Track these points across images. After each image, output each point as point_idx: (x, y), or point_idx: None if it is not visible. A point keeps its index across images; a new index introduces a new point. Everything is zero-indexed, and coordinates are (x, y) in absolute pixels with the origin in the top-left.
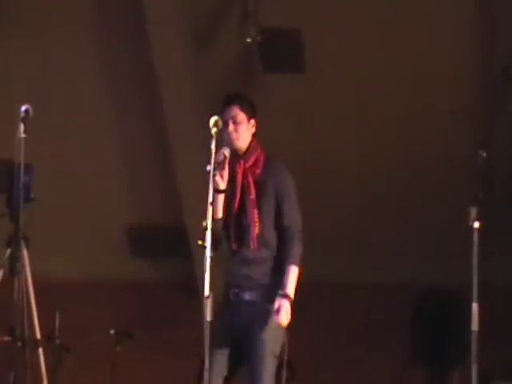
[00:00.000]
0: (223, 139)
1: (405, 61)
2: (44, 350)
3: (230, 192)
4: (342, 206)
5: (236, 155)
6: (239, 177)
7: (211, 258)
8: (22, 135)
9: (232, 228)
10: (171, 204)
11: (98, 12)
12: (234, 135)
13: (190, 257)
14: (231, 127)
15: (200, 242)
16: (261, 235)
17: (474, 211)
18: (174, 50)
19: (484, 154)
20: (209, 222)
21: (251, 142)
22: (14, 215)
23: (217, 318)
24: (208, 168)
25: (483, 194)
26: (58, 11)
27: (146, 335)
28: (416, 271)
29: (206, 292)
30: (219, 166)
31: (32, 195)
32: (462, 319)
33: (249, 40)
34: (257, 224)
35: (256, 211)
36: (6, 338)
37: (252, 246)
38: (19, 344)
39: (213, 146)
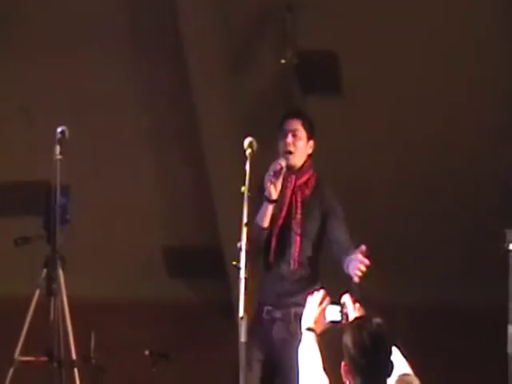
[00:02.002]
0: (279, 150)
1: (442, 83)
2: (80, 371)
3: (276, 206)
4: (377, 230)
5: (289, 170)
6: (288, 192)
7: (246, 278)
8: (59, 157)
9: (274, 242)
10: (207, 225)
11: (134, 38)
12: (291, 148)
13: (226, 278)
14: (290, 139)
15: (234, 263)
16: (300, 255)
17: (510, 234)
18: (211, 74)
19: None
20: (243, 243)
21: (306, 161)
22: (51, 237)
23: (249, 337)
24: (243, 189)
25: None
26: (95, 31)
27: (182, 356)
28: (449, 293)
29: (241, 313)
30: (274, 176)
31: (69, 217)
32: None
33: (283, 61)
34: (298, 244)
35: (300, 231)
36: (43, 359)
37: (292, 265)
38: (55, 364)
39: (247, 167)
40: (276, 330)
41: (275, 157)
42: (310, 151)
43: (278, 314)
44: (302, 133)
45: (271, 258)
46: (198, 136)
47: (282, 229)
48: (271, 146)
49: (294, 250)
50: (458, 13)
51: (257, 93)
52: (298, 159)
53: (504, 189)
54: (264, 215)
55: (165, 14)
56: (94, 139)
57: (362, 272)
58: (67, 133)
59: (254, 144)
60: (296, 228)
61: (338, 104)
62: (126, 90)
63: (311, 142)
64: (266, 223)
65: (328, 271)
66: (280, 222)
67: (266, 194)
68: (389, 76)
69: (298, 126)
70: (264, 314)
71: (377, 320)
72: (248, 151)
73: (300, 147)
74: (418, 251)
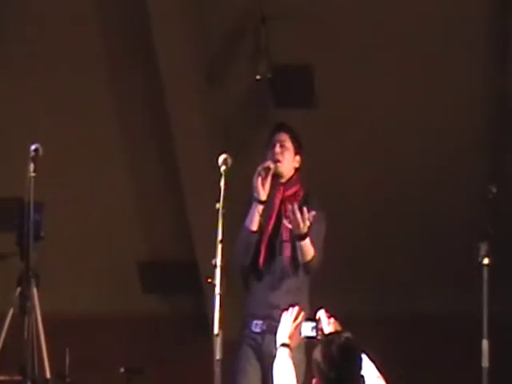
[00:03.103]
0: (267, 160)
1: (417, 95)
2: None
3: (265, 215)
4: (353, 239)
5: (277, 180)
6: (277, 201)
7: (221, 295)
8: (32, 174)
9: (263, 250)
10: (182, 240)
11: (107, 50)
12: (279, 157)
13: (201, 293)
14: (278, 149)
15: (210, 280)
16: (292, 260)
17: (484, 247)
18: (185, 87)
19: (494, 190)
20: (218, 260)
21: (293, 174)
22: (25, 254)
23: (239, 353)
24: (217, 206)
25: (493, 229)
26: (69, 48)
27: (157, 371)
28: (426, 305)
29: (216, 330)
30: (263, 172)
31: (42, 233)
32: None
33: (258, 77)
34: (289, 250)
35: (289, 238)
36: (17, 378)
37: (285, 265)
38: (29, 383)
39: (222, 184)
40: (267, 343)
41: (250, 169)
42: (296, 165)
43: (268, 327)
44: (289, 144)
45: (261, 265)
46: (173, 150)
47: (271, 237)
48: (246, 159)
49: (286, 250)
50: (436, 24)
51: (231, 105)
52: (285, 168)
53: (479, 201)
54: (253, 217)
55: (139, 27)
56: (68, 154)
57: None
58: (41, 150)
59: (229, 160)
60: (285, 236)
61: (313, 116)
62: (100, 105)
63: (298, 157)
64: (255, 226)
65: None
66: (269, 228)
67: (255, 194)
68: (363, 88)
69: (286, 138)
70: (254, 328)
71: (346, 334)
72: (222, 168)
73: (287, 158)
74: (393, 263)
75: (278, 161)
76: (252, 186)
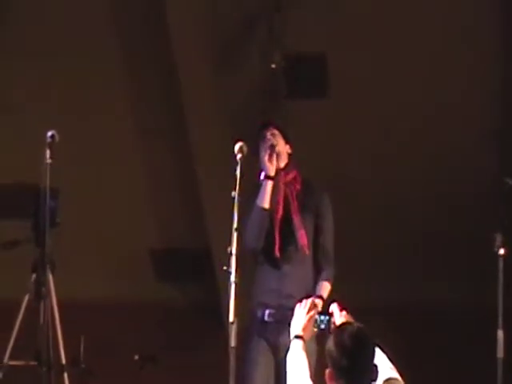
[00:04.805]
0: (261, 157)
1: (431, 86)
2: (69, 375)
3: (273, 200)
4: (364, 228)
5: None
6: (282, 186)
7: (236, 283)
8: (48, 160)
9: (277, 233)
10: (196, 228)
11: (121, 39)
12: (273, 141)
13: (214, 281)
14: (269, 136)
15: (225, 268)
16: (308, 248)
17: (499, 238)
18: (199, 75)
19: (510, 182)
20: (233, 248)
21: (289, 161)
22: (40, 240)
23: (250, 341)
24: (233, 193)
25: (509, 220)
26: (85, 35)
27: (171, 359)
28: (440, 295)
29: (231, 318)
30: (269, 149)
31: (58, 220)
32: None
33: (273, 66)
34: (303, 229)
35: (300, 221)
36: (32, 363)
37: (304, 251)
38: (45, 369)
39: (238, 172)
40: (281, 333)
41: (261, 161)
42: (289, 151)
43: (282, 317)
44: (279, 135)
45: (277, 253)
46: (187, 138)
47: (283, 224)
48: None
49: (302, 236)
50: (446, 15)
51: (245, 94)
52: (282, 150)
53: (495, 191)
54: (264, 195)
55: (153, 14)
56: (83, 142)
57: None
58: (57, 137)
59: (245, 149)
60: (296, 218)
61: (326, 105)
62: (115, 92)
63: (288, 146)
64: (266, 203)
65: None
66: (279, 215)
67: (264, 170)
68: (378, 78)
69: (274, 131)
70: (267, 317)
71: (358, 324)
72: (238, 156)
73: (281, 142)
74: (407, 253)
75: (273, 145)
76: (254, 185)
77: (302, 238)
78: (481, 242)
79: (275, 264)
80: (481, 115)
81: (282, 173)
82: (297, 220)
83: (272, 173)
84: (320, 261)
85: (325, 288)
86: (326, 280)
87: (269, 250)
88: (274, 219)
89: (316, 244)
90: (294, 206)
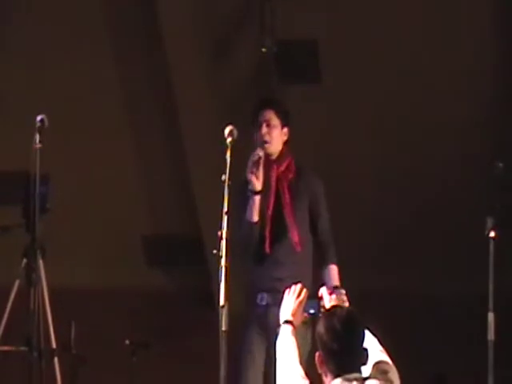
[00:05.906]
0: (255, 141)
1: (421, 71)
2: (60, 361)
3: (263, 198)
4: (363, 216)
5: (268, 160)
6: (273, 181)
7: (227, 267)
8: (38, 145)
9: (267, 231)
10: (187, 213)
11: (111, 26)
12: (267, 138)
13: (205, 266)
14: (264, 130)
15: (215, 252)
16: (300, 237)
17: (490, 221)
18: (190, 63)
19: (501, 165)
20: (224, 232)
21: (283, 148)
22: (31, 226)
23: (245, 326)
24: (223, 177)
25: (500, 204)
26: (75, 20)
27: (162, 345)
28: (430, 281)
29: (222, 302)
30: (254, 166)
31: (48, 205)
32: None
33: (264, 50)
34: (295, 226)
35: (292, 214)
36: (22, 348)
37: (296, 248)
38: (35, 354)
39: (228, 156)
40: (273, 314)
41: (255, 144)
42: (285, 138)
43: (273, 300)
44: (275, 121)
45: (267, 248)
46: (178, 124)
47: (274, 218)
48: (251, 133)
49: (293, 233)
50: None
51: (236, 80)
52: (274, 148)
53: (486, 175)
54: (252, 209)
55: (146, 5)
56: (72, 127)
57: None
58: (46, 121)
59: (235, 132)
60: (288, 212)
61: (318, 91)
62: (105, 77)
63: (285, 130)
64: (255, 217)
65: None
66: (270, 212)
67: (250, 187)
68: (369, 63)
69: (271, 115)
70: (259, 300)
71: (348, 307)
72: (229, 140)
73: (275, 136)
74: (399, 238)
75: (266, 142)
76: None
77: (294, 235)
78: (474, 226)
79: (267, 256)
80: (474, 101)
81: (275, 166)
82: (289, 217)
83: (259, 188)
84: (321, 243)
85: (334, 274)
86: (332, 262)
87: (262, 248)
88: (265, 217)
89: (314, 227)
90: (286, 200)
